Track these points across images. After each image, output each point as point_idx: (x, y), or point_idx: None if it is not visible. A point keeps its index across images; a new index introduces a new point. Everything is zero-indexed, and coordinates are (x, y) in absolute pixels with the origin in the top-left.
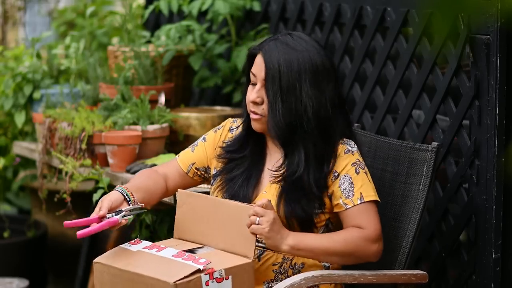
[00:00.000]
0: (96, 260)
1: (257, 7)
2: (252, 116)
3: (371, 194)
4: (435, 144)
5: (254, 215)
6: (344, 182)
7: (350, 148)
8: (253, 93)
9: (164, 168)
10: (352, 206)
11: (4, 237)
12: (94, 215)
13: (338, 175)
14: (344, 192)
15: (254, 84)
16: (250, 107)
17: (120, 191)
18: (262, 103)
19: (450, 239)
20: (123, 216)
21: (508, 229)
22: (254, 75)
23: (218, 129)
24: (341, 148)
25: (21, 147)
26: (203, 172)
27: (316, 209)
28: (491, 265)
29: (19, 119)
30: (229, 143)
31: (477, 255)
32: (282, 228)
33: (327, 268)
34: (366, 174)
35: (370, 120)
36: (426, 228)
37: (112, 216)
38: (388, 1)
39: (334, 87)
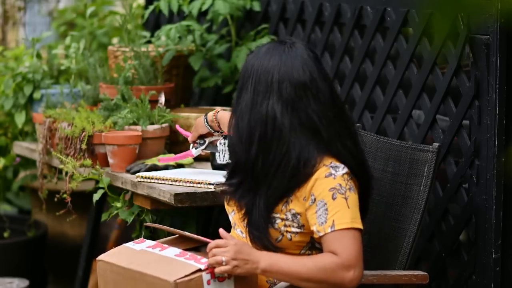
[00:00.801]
0: (99, 258)
1: (257, 7)
2: None
3: (345, 221)
4: (436, 145)
5: (213, 255)
6: (319, 208)
7: (333, 172)
8: None
9: None
10: (324, 234)
11: (4, 237)
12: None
13: (315, 199)
14: (318, 219)
15: None
16: None
17: (206, 124)
18: None
19: (450, 239)
20: (203, 148)
21: (508, 229)
22: None
23: None
24: (323, 171)
25: (21, 147)
26: None
27: (283, 233)
28: (491, 265)
29: (19, 119)
30: None
31: (477, 255)
32: (250, 254)
33: None
34: (346, 199)
35: (370, 120)
36: (426, 228)
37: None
38: (388, 1)
39: (282, 106)
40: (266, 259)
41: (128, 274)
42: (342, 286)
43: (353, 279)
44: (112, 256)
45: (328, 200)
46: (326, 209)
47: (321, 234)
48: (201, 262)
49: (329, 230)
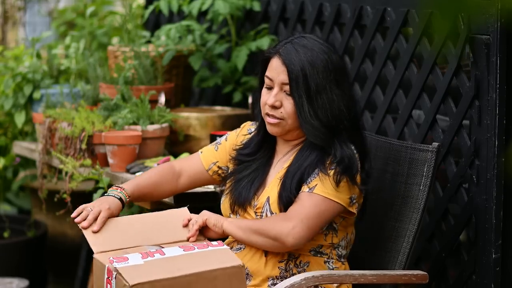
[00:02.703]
0: (131, 284)
1: (257, 7)
2: (270, 120)
3: (325, 191)
4: (435, 144)
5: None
6: (313, 174)
7: None
8: (271, 97)
9: (182, 163)
10: (301, 192)
11: (4, 237)
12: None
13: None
14: (306, 181)
15: (270, 88)
16: (268, 111)
17: (116, 197)
18: (280, 106)
19: (450, 239)
20: None
21: (508, 229)
22: (270, 79)
23: (238, 129)
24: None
25: (21, 147)
26: (224, 171)
27: None
28: (491, 265)
29: (19, 119)
30: (242, 146)
31: (477, 255)
32: (217, 214)
33: (331, 269)
34: (338, 175)
35: (370, 120)
36: (426, 228)
37: None
38: (388, 1)
39: (349, 83)
40: (229, 219)
41: (179, 282)
42: (281, 238)
43: (290, 233)
44: (142, 275)
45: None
46: (317, 174)
47: (300, 191)
48: (215, 245)
49: (306, 190)
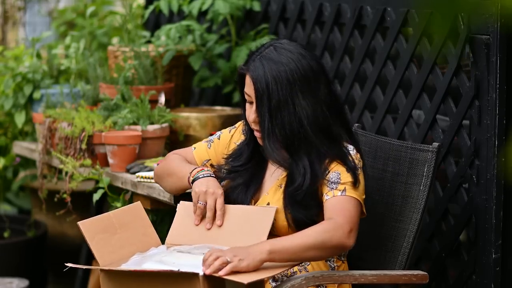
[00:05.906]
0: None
1: (257, 7)
2: (256, 134)
3: (354, 192)
4: (436, 144)
5: (216, 258)
6: (332, 177)
7: (348, 147)
8: (252, 113)
9: (183, 156)
10: (332, 197)
11: (4, 237)
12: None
13: (329, 171)
14: (330, 185)
15: (251, 103)
16: (252, 126)
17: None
18: None
19: (450, 239)
20: None
21: (508, 229)
22: (248, 94)
23: (232, 129)
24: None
25: (21, 147)
26: (216, 169)
27: (315, 216)
28: (491, 265)
29: (19, 119)
30: (232, 157)
31: (477, 255)
32: (248, 248)
33: (333, 268)
34: (358, 174)
35: (370, 120)
36: (426, 228)
37: None
38: (388, 1)
39: (327, 86)
40: (267, 243)
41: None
42: (343, 246)
43: (350, 236)
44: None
45: (342, 171)
46: (339, 178)
47: (328, 197)
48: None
49: (338, 194)
